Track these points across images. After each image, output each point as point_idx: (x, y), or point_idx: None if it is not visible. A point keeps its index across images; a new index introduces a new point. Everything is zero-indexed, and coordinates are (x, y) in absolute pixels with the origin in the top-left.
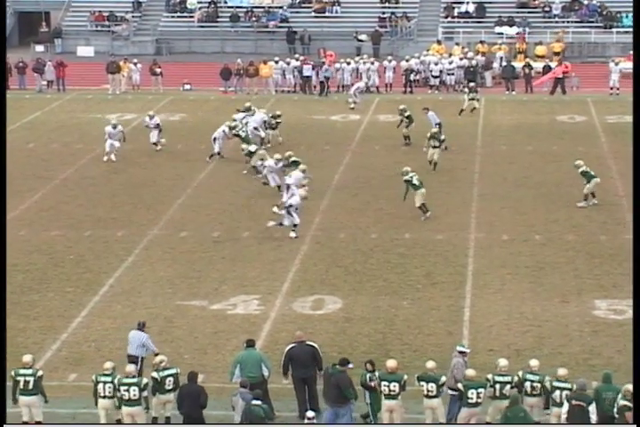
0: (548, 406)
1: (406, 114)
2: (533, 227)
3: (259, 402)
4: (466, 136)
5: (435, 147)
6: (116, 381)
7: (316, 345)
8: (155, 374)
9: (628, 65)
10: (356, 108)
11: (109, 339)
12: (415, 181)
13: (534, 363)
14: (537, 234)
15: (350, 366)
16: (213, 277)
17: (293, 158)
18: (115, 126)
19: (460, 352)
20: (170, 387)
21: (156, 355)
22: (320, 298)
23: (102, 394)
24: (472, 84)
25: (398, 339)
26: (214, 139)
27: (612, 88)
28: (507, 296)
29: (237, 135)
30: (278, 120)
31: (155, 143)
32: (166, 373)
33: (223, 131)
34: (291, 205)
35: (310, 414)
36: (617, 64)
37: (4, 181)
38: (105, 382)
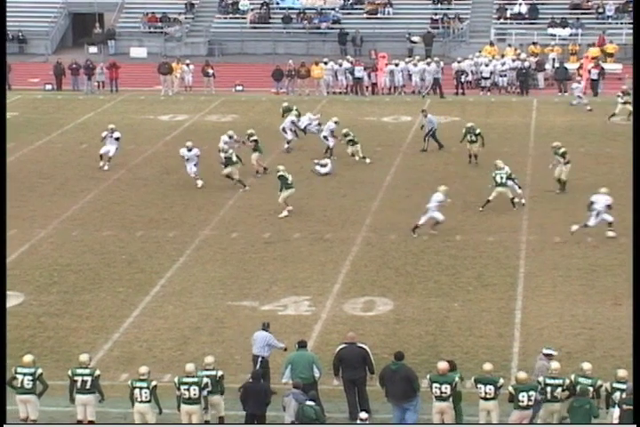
0: (607, 407)
1: (561, 151)
2: (586, 229)
3: (312, 403)
4: (518, 137)
5: (472, 142)
6: (176, 379)
7: (366, 347)
8: (199, 373)
9: None
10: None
11: (161, 339)
12: (498, 179)
13: (587, 366)
14: (589, 236)
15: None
16: (264, 278)
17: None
18: (190, 149)
19: (546, 355)
20: (209, 389)
21: (285, 350)
22: (371, 299)
23: (139, 399)
24: (625, 87)
25: (449, 341)
26: (283, 129)
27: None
28: (558, 299)
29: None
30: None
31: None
32: (205, 373)
33: (292, 121)
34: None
35: (364, 415)
36: None
37: (4, 182)
38: (141, 388)
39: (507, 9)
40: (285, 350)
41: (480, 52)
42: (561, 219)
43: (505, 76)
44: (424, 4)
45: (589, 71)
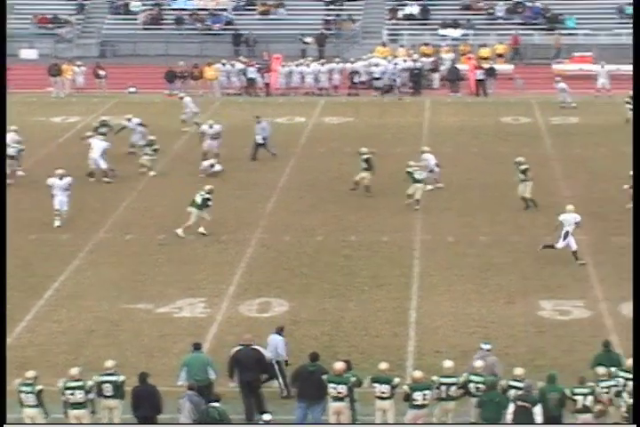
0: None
1: (523, 167)
2: (479, 228)
3: (217, 404)
4: (411, 138)
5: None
6: (61, 384)
7: (261, 349)
8: (95, 378)
9: (569, 67)
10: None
11: (55, 343)
12: (417, 175)
13: (478, 364)
14: (482, 235)
15: None
16: (159, 280)
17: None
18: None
19: (489, 350)
20: (108, 394)
21: (286, 362)
22: (266, 301)
23: (26, 403)
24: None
25: (345, 341)
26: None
27: (598, 90)
28: (453, 298)
29: None
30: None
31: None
32: (105, 378)
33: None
34: None
35: (267, 416)
36: (603, 67)
37: (4, 181)
38: (27, 392)
39: (398, 10)
40: (287, 363)
41: (372, 52)
42: (454, 219)
43: (398, 76)
44: (316, 5)
45: (475, 72)
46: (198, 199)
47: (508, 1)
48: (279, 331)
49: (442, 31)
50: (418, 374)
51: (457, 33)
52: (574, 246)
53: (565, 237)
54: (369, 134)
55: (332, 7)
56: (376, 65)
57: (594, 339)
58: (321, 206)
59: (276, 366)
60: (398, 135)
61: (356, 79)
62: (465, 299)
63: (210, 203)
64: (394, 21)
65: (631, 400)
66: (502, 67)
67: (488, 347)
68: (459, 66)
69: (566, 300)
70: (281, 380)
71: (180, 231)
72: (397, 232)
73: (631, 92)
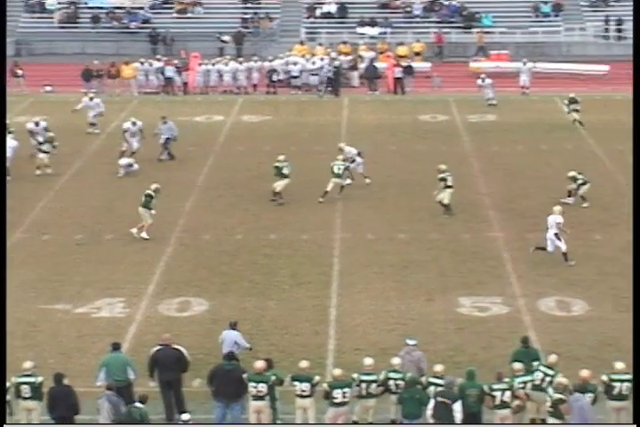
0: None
1: (580, 178)
2: (398, 226)
3: (140, 405)
4: (329, 137)
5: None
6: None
7: (182, 348)
8: (13, 379)
9: (486, 65)
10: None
11: None
12: (450, 182)
13: (396, 361)
14: (401, 233)
15: None
16: (77, 281)
17: None
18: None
19: (414, 345)
20: (27, 395)
21: (250, 349)
22: (186, 300)
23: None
24: (571, 96)
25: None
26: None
27: (522, 87)
28: (372, 295)
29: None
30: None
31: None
32: (23, 380)
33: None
34: None
35: (186, 416)
36: (525, 64)
37: (4, 182)
38: (27, 383)
39: (316, 8)
40: (250, 349)
41: (290, 51)
42: (374, 217)
43: (316, 75)
44: (233, 3)
45: (393, 70)
46: (143, 198)
47: None
48: (233, 326)
49: (360, 29)
50: (337, 371)
51: (375, 31)
52: (563, 247)
53: (559, 239)
54: (287, 133)
55: (249, 5)
56: (294, 63)
57: (512, 335)
58: (240, 205)
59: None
60: (317, 134)
61: (275, 78)
62: (384, 296)
63: (153, 201)
64: (312, 20)
65: (557, 395)
66: (420, 65)
67: (414, 342)
68: (377, 64)
69: (485, 296)
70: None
71: (134, 231)
72: (317, 230)
73: (571, 95)
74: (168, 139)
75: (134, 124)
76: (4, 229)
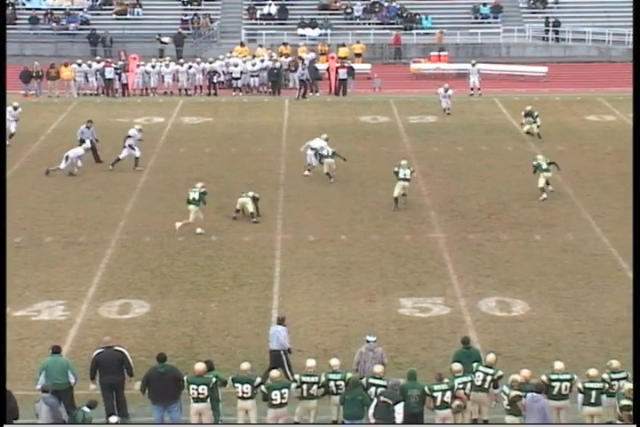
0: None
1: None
2: (339, 227)
3: (87, 409)
4: (271, 137)
5: None
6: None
7: (124, 350)
8: None
9: (426, 66)
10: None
11: None
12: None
13: (335, 362)
14: (342, 234)
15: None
16: (16, 284)
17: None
18: None
19: (375, 341)
20: None
21: (289, 350)
22: (127, 302)
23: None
24: (528, 108)
25: (206, 342)
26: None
27: (472, 88)
28: (314, 297)
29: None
30: None
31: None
32: None
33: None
34: None
35: (113, 419)
36: (474, 65)
37: (4, 182)
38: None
39: (257, 9)
40: (290, 351)
41: (231, 52)
42: (315, 218)
43: (257, 76)
44: (173, 4)
45: (337, 71)
46: (195, 195)
47: (365, 1)
48: (281, 321)
49: (300, 31)
50: (275, 373)
51: (315, 33)
52: None
53: None
54: (228, 134)
55: (189, 7)
56: (235, 65)
57: (453, 335)
58: (181, 207)
59: (284, 357)
60: (258, 135)
61: (215, 79)
62: (326, 298)
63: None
64: (252, 21)
65: (514, 392)
66: (360, 66)
67: (374, 339)
68: (317, 65)
69: (426, 297)
70: (288, 371)
71: (178, 225)
72: (258, 232)
73: (528, 107)
74: (91, 142)
75: (140, 131)
76: (4, 230)
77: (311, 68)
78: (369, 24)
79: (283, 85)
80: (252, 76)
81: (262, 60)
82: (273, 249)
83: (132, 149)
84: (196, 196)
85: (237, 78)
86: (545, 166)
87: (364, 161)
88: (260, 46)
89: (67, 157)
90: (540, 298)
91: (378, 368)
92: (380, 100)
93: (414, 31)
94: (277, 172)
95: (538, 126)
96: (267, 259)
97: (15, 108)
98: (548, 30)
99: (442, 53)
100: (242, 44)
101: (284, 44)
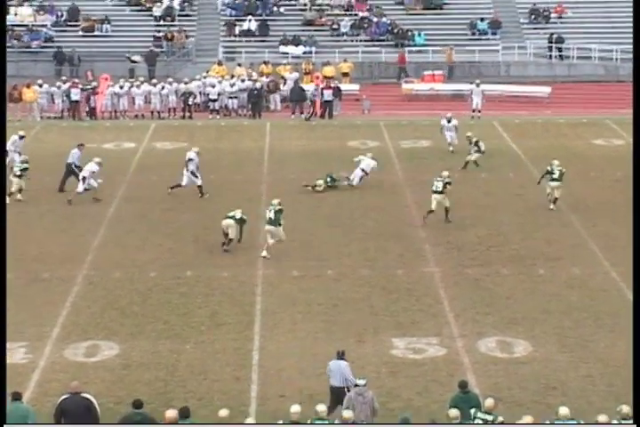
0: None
1: (474, 140)
2: (325, 261)
3: None
4: (251, 164)
5: None
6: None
7: (91, 397)
8: None
9: (419, 86)
10: None
11: None
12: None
13: (321, 408)
14: (329, 269)
15: None
16: None
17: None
18: None
19: (364, 385)
20: None
21: (356, 385)
22: (95, 344)
23: None
24: (469, 134)
25: (181, 386)
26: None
27: (474, 110)
28: (298, 337)
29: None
30: None
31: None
32: None
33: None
34: None
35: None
36: (478, 85)
37: (4, 186)
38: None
39: (235, 25)
40: (356, 386)
41: (208, 72)
42: (298, 251)
43: (236, 97)
44: (145, 20)
45: (322, 92)
46: (271, 215)
47: (352, 16)
48: (341, 356)
49: (282, 48)
50: (347, 414)
51: (299, 50)
52: None
53: None
54: (205, 161)
55: (162, 22)
56: (212, 86)
57: (450, 379)
58: (154, 240)
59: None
60: (237, 162)
61: (191, 101)
62: (311, 338)
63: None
64: (230, 38)
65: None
66: (348, 87)
67: (363, 382)
68: (303, 86)
69: (420, 337)
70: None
71: (264, 254)
72: (238, 266)
73: (468, 133)
74: (70, 165)
75: (198, 154)
76: (4, 229)
77: (295, 88)
78: (357, 41)
79: (264, 108)
80: (231, 97)
81: (242, 80)
82: (253, 285)
83: (195, 176)
84: (272, 215)
85: (214, 100)
86: (557, 175)
87: (351, 189)
88: (239, 65)
89: (84, 179)
90: (544, 338)
91: (346, 413)
92: (370, 124)
93: (406, 49)
94: (258, 201)
95: (482, 152)
96: (247, 296)
97: (21, 138)
98: (550, 47)
99: (436, 73)
100: (219, 63)
101: (265, 62)
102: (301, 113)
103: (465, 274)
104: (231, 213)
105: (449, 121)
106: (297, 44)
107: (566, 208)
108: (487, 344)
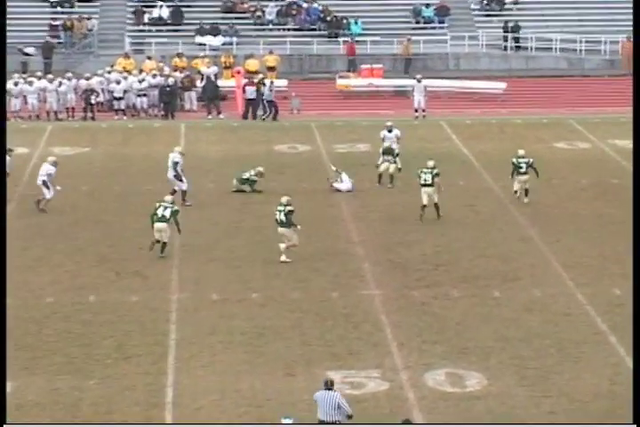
0: None
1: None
2: (249, 283)
3: None
4: (163, 172)
5: None
6: None
7: None
8: None
9: (356, 82)
10: None
11: None
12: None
13: None
14: (254, 292)
15: None
16: None
17: None
18: None
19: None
20: None
21: (350, 417)
22: None
23: None
24: (387, 146)
25: None
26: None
27: (416, 110)
28: (219, 370)
29: None
30: None
31: None
32: None
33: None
34: None
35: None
36: (419, 81)
37: (4, 184)
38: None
39: (144, 13)
40: (350, 417)
41: (112, 66)
42: (219, 272)
43: (145, 95)
44: (40, 6)
45: (244, 89)
46: (282, 217)
47: (279, 1)
48: (330, 386)
49: (199, 39)
50: None
51: (217, 41)
52: None
53: None
54: (110, 168)
55: (59, 9)
56: (117, 82)
57: (393, 416)
58: (51, 260)
59: None
60: (147, 169)
61: (93, 100)
62: (234, 371)
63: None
64: (139, 27)
65: None
66: (274, 83)
67: (291, 421)
68: (221, 82)
69: (359, 369)
70: None
71: (283, 258)
72: (149, 290)
73: (387, 144)
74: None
75: (182, 155)
76: (4, 229)
77: (209, 84)
78: (284, 30)
79: (178, 107)
80: (139, 95)
81: (153, 76)
82: (167, 311)
83: (180, 179)
84: (283, 217)
85: (120, 98)
86: (524, 169)
87: (275, 202)
88: (149, 58)
89: (44, 183)
90: (501, 369)
91: None
92: (300, 125)
93: (340, 39)
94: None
95: (399, 169)
96: (159, 324)
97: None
98: (506, 37)
99: (375, 66)
100: (126, 56)
101: (179, 55)
102: (218, 113)
103: (410, 297)
104: (160, 213)
105: (390, 131)
106: (215, 34)
107: (525, 221)
108: (435, 377)
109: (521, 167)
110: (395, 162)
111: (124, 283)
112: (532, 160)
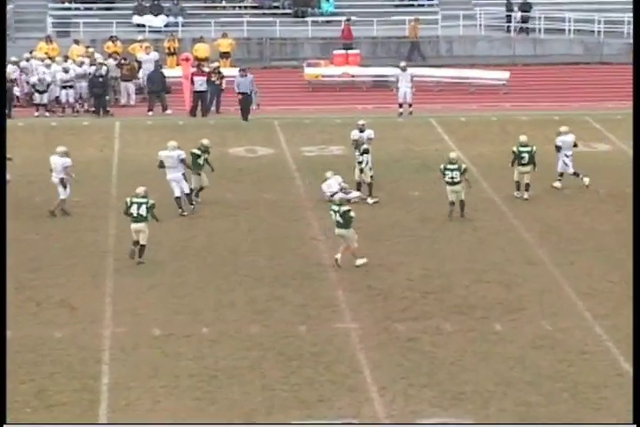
0: None
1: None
2: (199, 315)
3: None
4: (95, 181)
5: None
6: None
7: None
8: None
9: (329, 71)
10: None
11: None
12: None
13: None
14: (204, 326)
15: None
16: None
17: None
18: None
19: None
20: None
21: None
22: None
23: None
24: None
25: None
26: None
27: (401, 104)
28: (161, 419)
29: None
30: None
31: None
32: None
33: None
34: None
35: None
36: (404, 69)
37: (4, 184)
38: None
39: None
40: None
41: (32, 52)
42: (162, 301)
43: (72, 87)
44: None
45: (192, 80)
46: (338, 218)
47: None
48: None
49: (136, 19)
50: None
51: (159, 21)
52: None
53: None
54: (30, 175)
55: None
56: (38, 71)
57: None
58: None
59: None
60: (78, 177)
61: (18, 91)
62: (180, 421)
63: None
64: (63, 5)
65: None
66: (229, 72)
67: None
68: (165, 71)
69: (332, 419)
70: None
71: (338, 256)
72: (77, 323)
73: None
74: None
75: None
76: (4, 229)
77: (154, 74)
78: (240, 8)
79: (111, 101)
80: (65, 86)
81: (81, 64)
82: (99, 350)
83: (186, 179)
84: (339, 218)
85: (43, 91)
86: (526, 159)
87: (236, 215)
88: (77, 42)
89: (62, 181)
90: (503, 418)
91: None
92: (260, 123)
93: (309, 19)
94: (105, 232)
95: (371, 177)
96: (89, 365)
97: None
98: (509, 17)
99: (350, 52)
100: (48, 40)
101: (113, 38)
102: (164, 109)
103: (393, 331)
104: (135, 212)
105: (361, 130)
106: (157, 14)
107: (532, 238)
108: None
109: (522, 157)
110: (370, 168)
111: (46, 315)
112: (535, 148)
